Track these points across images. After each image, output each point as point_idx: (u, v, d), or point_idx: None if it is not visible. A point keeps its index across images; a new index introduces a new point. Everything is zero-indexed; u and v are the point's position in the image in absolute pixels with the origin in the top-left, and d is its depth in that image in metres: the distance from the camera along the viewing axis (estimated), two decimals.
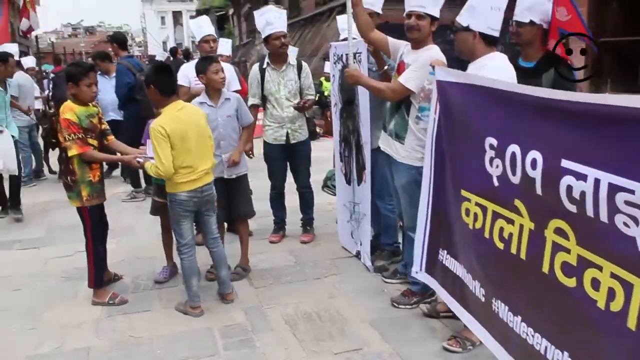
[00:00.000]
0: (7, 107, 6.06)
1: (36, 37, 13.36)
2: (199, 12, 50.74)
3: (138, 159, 3.77)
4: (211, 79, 3.92)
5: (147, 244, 4.99)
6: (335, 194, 5.21)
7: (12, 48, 8.27)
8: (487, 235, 2.45)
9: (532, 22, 3.18)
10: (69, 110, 3.63)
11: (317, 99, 4.93)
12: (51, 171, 8.51)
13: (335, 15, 13.91)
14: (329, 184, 6.59)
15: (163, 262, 4.36)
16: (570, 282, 1.88)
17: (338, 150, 4.60)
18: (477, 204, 2.55)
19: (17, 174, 5.96)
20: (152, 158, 3.53)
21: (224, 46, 6.34)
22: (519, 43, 3.30)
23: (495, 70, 2.79)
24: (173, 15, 75.57)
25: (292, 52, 6.38)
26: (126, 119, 6.67)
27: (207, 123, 3.68)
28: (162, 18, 75.46)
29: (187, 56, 13.10)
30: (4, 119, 5.89)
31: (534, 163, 2.02)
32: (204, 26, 4.98)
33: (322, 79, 11.93)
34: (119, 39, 7.13)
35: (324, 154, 6.98)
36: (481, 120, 2.50)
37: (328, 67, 7.50)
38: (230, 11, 37.35)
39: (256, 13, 4.76)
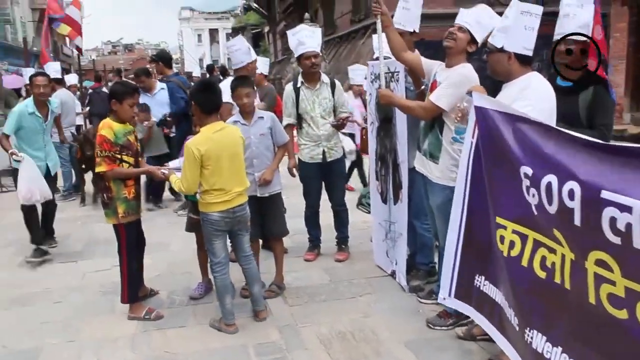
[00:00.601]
0: (47, 132, 5.59)
1: (78, 54, 13.73)
2: (235, 30, 51.59)
3: (163, 170, 3.87)
4: (239, 103, 4.01)
5: (182, 260, 5.04)
6: (369, 212, 5.18)
7: (55, 67, 8.54)
8: (524, 263, 2.40)
9: (576, 41, 3.17)
10: (107, 128, 3.69)
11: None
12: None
13: (370, 33, 13.97)
14: (363, 202, 6.56)
15: (198, 278, 4.39)
16: (622, 314, 1.82)
17: (374, 168, 4.59)
18: (514, 232, 2.50)
19: (51, 197, 5.37)
20: (178, 170, 3.61)
21: (262, 65, 6.41)
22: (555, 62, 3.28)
23: (537, 93, 2.79)
24: (209, 33, 77.00)
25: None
26: (180, 135, 6.62)
27: (243, 146, 3.70)
28: (199, 35, 76.93)
29: (224, 73, 13.30)
30: (41, 147, 5.48)
31: (571, 194, 1.98)
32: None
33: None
34: (165, 58, 7.20)
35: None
36: (516, 148, 2.46)
37: (355, 76, 7.50)
38: (266, 29, 37.88)
39: (289, 33, 4.80)
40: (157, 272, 4.75)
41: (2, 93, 13.00)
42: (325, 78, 4.76)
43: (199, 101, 3.53)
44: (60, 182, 8.32)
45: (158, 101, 6.82)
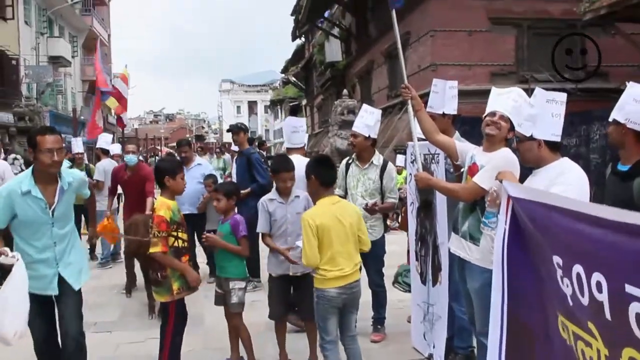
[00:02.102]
0: (58, 222, 3.53)
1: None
2: (274, 103, 53.13)
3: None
4: (281, 186, 4.14)
5: (216, 334, 4.98)
6: (406, 291, 5.10)
7: (107, 138, 8.95)
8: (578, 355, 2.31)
9: (615, 122, 3.11)
10: (165, 208, 3.74)
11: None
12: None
13: (406, 108, 14.19)
14: (400, 280, 6.46)
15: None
16: None
17: (414, 248, 4.55)
18: (561, 322, 2.42)
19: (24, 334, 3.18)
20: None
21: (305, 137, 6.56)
22: (612, 144, 3.25)
23: (574, 177, 2.83)
24: (248, 105, 79.25)
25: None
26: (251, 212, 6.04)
27: (361, 221, 3.72)
28: (238, 107, 79.22)
29: (261, 146, 13.62)
30: (48, 245, 3.50)
31: (599, 286, 1.91)
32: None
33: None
34: (247, 130, 7.17)
35: (397, 248, 6.89)
36: (549, 236, 2.42)
37: (400, 160, 7.65)
38: (304, 102, 38.79)
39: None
40: (190, 347, 4.70)
41: None
42: (377, 160, 4.81)
43: (318, 174, 3.63)
44: (98, 249, 8.53)
45: (192, 176, 6.67)
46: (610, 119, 3.17)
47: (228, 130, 7.14)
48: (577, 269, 2.06)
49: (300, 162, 4.37)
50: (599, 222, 1.95)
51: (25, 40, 24.69)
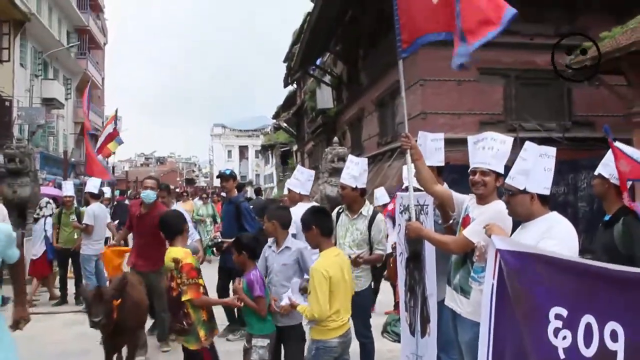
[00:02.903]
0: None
1: (113, 166, 14.43)
2: (265, 148, 53.38)
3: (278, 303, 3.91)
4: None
5: None
6: (395, 340, 5.04)
7: (95, 183, 8.90)
8: None
9: (601, 176, 3.44)
10: (189, 256, 3.85)
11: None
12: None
13: (396, 156, 14.33)
14: (389, 330, 6.38)
15: None
16: None
17: (403, 299, 4.52)
18: None
19: None
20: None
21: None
22: (596, 196, 3.47)
23: (564, 232, 2.89)
24: (239, 150, 79.60)
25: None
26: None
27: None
28: (229, 152, 79.56)
29: (258, 193, 13.69)
30: None
31: (614, 335, 1.91)
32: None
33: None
34: (236, 177, 7.00)
35: (385, 298, 6.85)
36: (545, 289, 2.41)
37: (380, 197, 7.77)
38: (294, 147, 39.02)
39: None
40: None
41: (38, 201, 13.37)
42: (366, 211, 4.82)
43: (319, 225, 3.69)
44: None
45: None
46: (596, 173, 3.38)
47: (217, 177, 7.08)
48: (588, 319, 2.06)
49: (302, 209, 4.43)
50: (611, 275, 1.98)
51: (19, 82, 24.88)
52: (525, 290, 2.55)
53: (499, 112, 14.39)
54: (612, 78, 11.85)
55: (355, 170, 4.76)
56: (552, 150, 3.02)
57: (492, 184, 3.43)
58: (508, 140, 3.47)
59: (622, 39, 10.29)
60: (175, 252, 3.89)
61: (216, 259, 8.01)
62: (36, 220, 9.42)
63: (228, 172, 6.91)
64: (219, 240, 6.80)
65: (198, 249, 6.45)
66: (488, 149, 3.45)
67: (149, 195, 6.09)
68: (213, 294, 6.66)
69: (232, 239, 6.15)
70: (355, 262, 4.62)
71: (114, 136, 12.55)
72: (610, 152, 3.44)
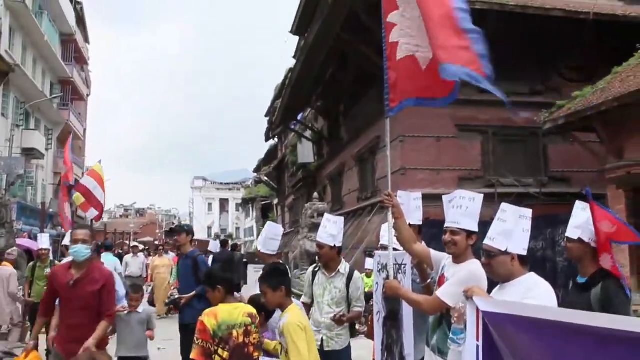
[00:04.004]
0: None
1: (92, 220, 14.19)
2: (245, 201, 53.32)
3: None
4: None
5: None
6: None
7: (44, 238, 8.77)
8: None
9: (580, 240, 3.32)
10: (212, 316, 3.50)
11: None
12: None
13: (376, 211, 14.39)
14: None
15: None
16: None
17: (379, 358, 4.46)
18: None
19: None
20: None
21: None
22: (571, 258, 3.39)
23: (545, 293, 2.88)
24: (220, 203, 79.34)
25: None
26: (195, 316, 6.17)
27: None
28: (210, 204, 79.24)
29: (235, 248, 13.71)
30: None
31: None
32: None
33: (364, 275, 11.95)
34: (192, 232, 6.85)
35: (363, 353, 6.73)
36: (531, 350, 2.40)
37: (369, 263, 7.67)
38: (275, 201, 39.03)
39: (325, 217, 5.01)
40: None
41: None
42: (344, 268, 4.82)
43: (285, 285, 3.67)
44: None
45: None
46: (574, 237, 3.32)
47: (171, 230, 7.01)
48: None
49: None
50: (596, 331, 1.97)
51: (0, 131, 24.77)
52: (514, 350, 2.54)
53: (478, 168, 14.62)
54: (585, 135, 12.20)
55: (333, 229, 4.77)
56: (529, 212, 3.08)
57: (463, 243, 3.46)
58: (477, 197, 3.52)
59: (593, 98, 10.66)
60: (246, 308, 3.66)
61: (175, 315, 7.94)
62: None
63: (181, 226, 6.85)
64: (176, 297, 6.62)
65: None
66: (457, 208, 3.50)
67: (79, 251, 4.39)
68: (177, 352, 6.52)
69: (190, 295, 6.10)
70: (340, 321, 4.63)
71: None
72: (583, 213, 3.39)
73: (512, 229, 3.02)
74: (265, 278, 3.79)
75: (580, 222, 3.36)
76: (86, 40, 41.38)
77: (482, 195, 3.59)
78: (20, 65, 25.64)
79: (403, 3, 3.91)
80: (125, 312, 5.62)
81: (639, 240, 3.45)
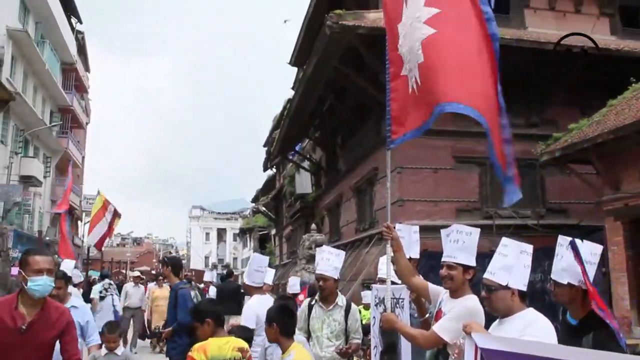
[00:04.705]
0: None
1: (89, 247, 14.20)
2: (243, 231, 53.13)
3: None
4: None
5: None
6: None
7: (69, 265, 8.69)
8: None
9: (570, 284, 3.16)
10: (202, 351, 3.42)
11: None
12: None
13: (374, 243, 14.35)
14: None
15: None
16: None
17: None
18: None
19: None
20: None
21: (268, 275, 6.49)
22: (558, 302, 3.28)
23: (544, 330, 2.85)
24: (217, 232, 79.03)
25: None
26: (179, 351, 5.80)
27: None
28: (207, 234, 78.92)
29: (229, 276, 13.57)
30: None
31: None
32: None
33: (361, 307, 11.86)
34: (176, 265, 6.76)
35: None
36: None
37: (367, 295, 7.63)
38: (273, 231, 38.90)
39: (318, 249, 5.01)
40: None
41: (8, 282, 13.05)
42: (341, 300, 4.82)
43: (280, 323, 3.61)
44: None
45: None
46: (563, 282, 3.18)
47: (164, 260, 6.98)
48: None
49: (260, 303, 4.39)
50: None
51: None
52: None
53: (475, 200, 14.64)
54: (582, 167, 12.26)
55: (336, 262, 4.78)
56: (530, 248, 3.08)
57: (459, 278, 3.44)
58: (474, 231, 3.51)
59: (589, 131, 10.75)
60: (237, 342, 3.57)
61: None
62: (103, 298, 10.52)
63: (164, 258, 6.86)
64: (158, 330, 6.56)
65: None
66: (454, 242, 3.49)
67: (45, 284, 3.41)
68: None
69: (167, 330, 5.99)
70: (345, 354, 4.63)
71: (114, 219, 12.63)
72: (568, 253, 3.18)
73: (513, 263, 3.02)
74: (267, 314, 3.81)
75: (567, 264, 3.18)
76: (87, 69, 41.78)
77: (479, 230, 3.58)
78: (21, 93, 25.82)
79: (403, 35, 3.96)
80: (103, 354, 5.05)
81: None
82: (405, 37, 3.90)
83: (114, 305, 10.51)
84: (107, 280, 11.28)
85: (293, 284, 8.44)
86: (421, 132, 3.82)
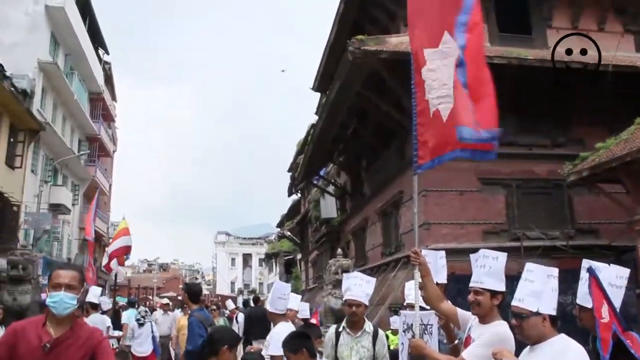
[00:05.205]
0: None
1: (116, 273, 14.34)
2: (268, 256, 53.13)
3: None
4: None
5: None
6: None
7: (95, 292, 8.79)
8: None
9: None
10: None
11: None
12: None
13: (400, 266, 14.22)
14: None
15: None
16: None
17: None
18: None
19: None
20: None
21: (293, 301, 6.44)
22: (583, 327, 3.24)
23: (577, 356, 2.75)
24: (243, 257, 79.12)
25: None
26: None
27: None
28: (233, 259, 79.01)
29: (256, 302, 13.52)
30: None
31: None
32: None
33: (389, 332, 11.73)
34: (193, 292, 6.74)
35: None
36: None
37: (395, 320, 7.54)
38: (298, 256, 38.83)
39: (345, 275, 4.99)
40: None
41: (38, 310, 13.24)
42: (369, 327, 4.77)
43: (293, 348, 3.67)
44: None
45: None
46: (586, 306, 3.14)
47: (183, 289, 7.04)
48: None
49: (285, 330, 4.37)
50: None
51: (29, 187, 25.27)
52: None
53: (502, 222, 14.45)
54: (610, 186, 12.05)
55: (368, 288, 4.76)
56: (555, 271, 3.03)
57: (486, 303, 3.39)
58: (501, 256, 3.45)
59: (617, 149, 10.59)
60: None
61: None
62: (142, 324, 10.51)
63: (184, 286, 6.97)
64: None
65: None
66: (481, 267, 3.45)
67: (62, 300, 3.11)
68: None
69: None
70: None
71: (127, 250, 12.69)
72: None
73: (541, 289, 2.96)
74: (285, 343, 3.79)
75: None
76: (113, 98, 42.64)
77: (505, 254, 3.53)
78: (51, 123, 26.43)
79: (430, 57, 3.96)
80: None
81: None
82: (436, 72, 3.92)
83: (152, 332, 10.52)
84: (142, 308, 11.39)
85: (303, 309, 8.37)
86: (451, 159, 3.83)
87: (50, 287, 3.17)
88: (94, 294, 8.67)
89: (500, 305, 3.44)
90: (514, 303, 3.03)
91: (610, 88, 13.42)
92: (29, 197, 25.22)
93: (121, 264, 12.74)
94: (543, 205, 14.72)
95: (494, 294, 3.40)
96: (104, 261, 12.64)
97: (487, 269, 3.42)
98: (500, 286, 3.41)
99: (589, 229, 14.54)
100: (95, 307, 8.58)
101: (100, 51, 36.68)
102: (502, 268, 3.41)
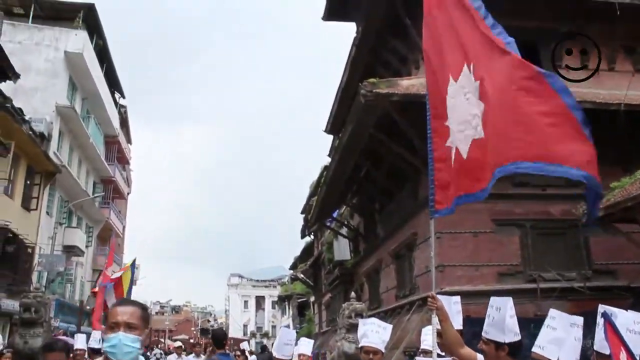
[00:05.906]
0: None
1: None
2: (282, 298, 52.67)
3: None
4: None
5: None
6: None
7: (97, 336, 8.66)
8: None
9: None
10: None
11: None
12: None
13: (415, 309, 14.02)
14: None
15: None
16: None
17: None
18: None
19: None
20: None
21: (306, 346, 6.34)
22: None
23: None
24: (256, 300, 78.47)
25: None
26: None
27: None
28: (245, 302, 78.38)
29: (263, 350, 13.40)
30: None
31: None
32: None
33: None
34: (218, 337, 6.69)
35: None
36: None
37: None
38: (312, 298, 38.46)
39: (360, 321, 4.92)
40: None
41: None
42: None
43: None
44: None
45: None
46: (605, 352, 3.06)
47: (203, 330, 6.91)
48: None
49: None
50: None
51: (44, 229, 25.48)
52: None
53: (517, 263, 14.25)
54: (627, 226, 11.91)
55: (385, 335, 4.66)
56: (580, 320, 2.98)
57: (491, 354, 3.32)
58: (504, 305, 3.31)
59: (632, 189, 10.52)
60: None
61: None
62: None
63: (208, 330, 6.80)
64: None
65: None
66: (488, 317, 3.39)
67: (121, 344, 2.52)
68: None
69: None
70: None
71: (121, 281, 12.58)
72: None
73: (564, 337, 2.91)
74: None
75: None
76: (128, 140, 43.27)
77: (509, 302, 3.36)
78: (67, 166, 26.83)
79: (451, 108, 3.81)
80: None
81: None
82: (454, 110, 3.78)
83: None
84: (157, 350, 11.30)
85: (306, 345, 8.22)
86: (476, 199, 3.73)
87: (107, 329, 2.60)
88: (94, 338, 8.43)
89: (513, 354, 3.32)
90: (534, 350, 2.97)
91: (623, 127, 13.40)
92: (44, 239, 25.39)
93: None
94: (558, 246, 14.52)
95: (498, 345, 3.29)
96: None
97: (491, 319, 3.34)
98: (504, 337, 3.27)
99: (606, 269, 14.28)
100: (97, 352, 8.35)
101: (117, 95, 37.44)
102: (504, 319, 3.26)
